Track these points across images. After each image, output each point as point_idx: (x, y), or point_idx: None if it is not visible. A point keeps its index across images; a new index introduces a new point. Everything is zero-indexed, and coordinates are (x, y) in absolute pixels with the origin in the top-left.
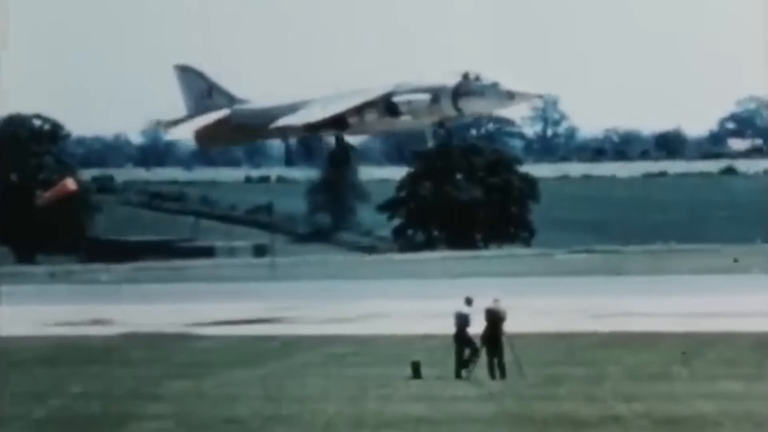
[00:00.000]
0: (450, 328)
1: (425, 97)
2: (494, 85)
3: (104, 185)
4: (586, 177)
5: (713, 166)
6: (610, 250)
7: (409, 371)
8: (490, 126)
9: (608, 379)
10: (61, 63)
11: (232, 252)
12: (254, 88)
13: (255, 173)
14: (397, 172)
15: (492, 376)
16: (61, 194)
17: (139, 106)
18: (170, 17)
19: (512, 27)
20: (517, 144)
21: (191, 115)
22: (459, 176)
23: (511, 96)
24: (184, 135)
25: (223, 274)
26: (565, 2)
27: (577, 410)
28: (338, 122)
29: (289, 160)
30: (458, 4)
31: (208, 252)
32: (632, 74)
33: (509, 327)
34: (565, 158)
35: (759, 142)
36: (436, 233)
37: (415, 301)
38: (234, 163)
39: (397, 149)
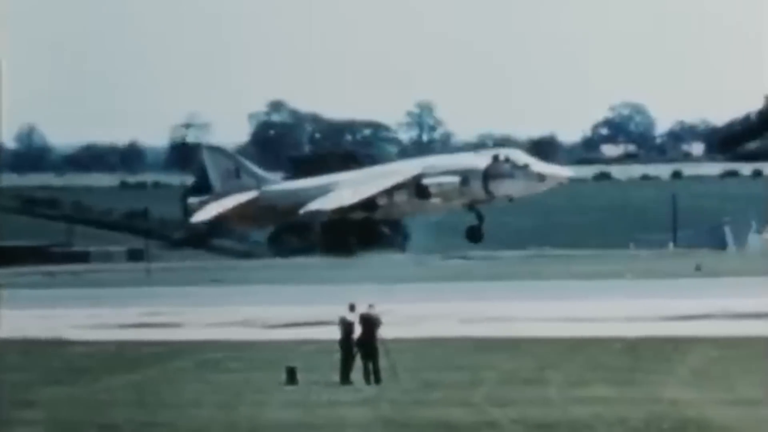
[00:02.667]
0: (325, 334)
1: (455, 179)
2: (525, 167)
3: None
4: None
5: (587, 171)
6: (484, 255)
7: (284, 377)
8: (366, 132)
9: (483, 384)
10: None
11: (107, 257)
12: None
13: (131, 179)
14: (274, 178)
15: (367, 381)
16: None
17: (14, 111)
18: (48, 12)
19: (390, 34)
20: (392, 149)
21: (218, 195)
22: None
23: (541, 178)
24: (212, 215)
25: (97, 279)
26: (441, 9)
27: (452, 415)
28: (368, 205)
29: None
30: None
31: (82, 257)
32: (507, 79)
33: (384, 332)
34: None
35: (632, 148)
36: (311, 238)
37: (290, 306)
38: (108, 168)
39: (273, 155)
